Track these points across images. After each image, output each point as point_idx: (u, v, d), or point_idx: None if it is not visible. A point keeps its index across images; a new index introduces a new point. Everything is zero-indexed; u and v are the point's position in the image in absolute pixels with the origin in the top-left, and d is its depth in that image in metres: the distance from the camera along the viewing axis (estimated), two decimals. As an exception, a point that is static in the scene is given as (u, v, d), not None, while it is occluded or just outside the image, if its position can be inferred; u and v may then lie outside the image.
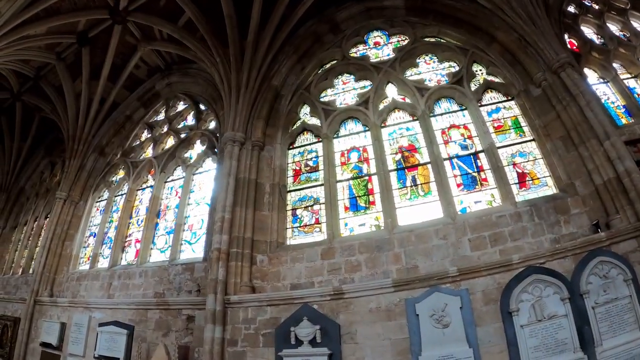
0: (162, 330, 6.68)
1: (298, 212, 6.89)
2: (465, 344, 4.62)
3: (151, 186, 8.97)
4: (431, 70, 7.69)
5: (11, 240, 12.03)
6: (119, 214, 9.24)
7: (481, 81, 7.23)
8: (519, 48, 6.99)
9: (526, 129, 6.51)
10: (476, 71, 7.41)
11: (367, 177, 6.82)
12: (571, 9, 8.15)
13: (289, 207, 6.95)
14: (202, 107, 9.35)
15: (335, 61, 8.26)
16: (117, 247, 8.65)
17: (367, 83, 7.79)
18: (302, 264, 6.21)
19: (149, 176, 9.24)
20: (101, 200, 9.99)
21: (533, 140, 6.32)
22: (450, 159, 6.53)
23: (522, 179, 6.09)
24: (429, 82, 7.48)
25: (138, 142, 10.14)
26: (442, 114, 7.14)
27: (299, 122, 7.77)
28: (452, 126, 6.96)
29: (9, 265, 11.45)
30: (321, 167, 7.11)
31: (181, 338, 6.44)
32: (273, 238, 6.60)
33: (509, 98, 6.99)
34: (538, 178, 6.01)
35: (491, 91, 7.24)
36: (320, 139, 7.40)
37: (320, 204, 6.80)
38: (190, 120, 9.48)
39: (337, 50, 8.30)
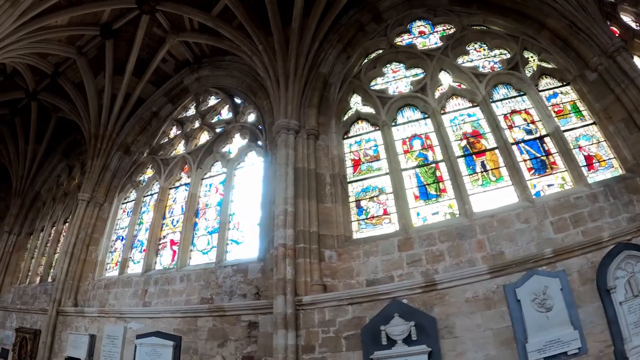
0: (218, 340, 5.41)
1: (362, 203, 5.81)
2: (570, 326, 3.96)
3: (186, 184, 7.67)
4: (483, 58, 6.82)
5: (27, 247, 10.36)
6: (149, 214, 7.88)
7: (535, 68, 6.44)
8: (571, 34, 6.25)
9: (585, 112, 5.79)
10: (527, 58, 6.58)
11: (434, 165, 5.85)
12: (608, -4, 7.44)
13: (351, 199, 5.87)
14: (237, 100, 8.12)
15: (381, 50, 7.27)
16: (151, 251, 7.30)
17: (419, 71, 6.83)
18: (377, 257, 5.13)
19: (183, 174, 7.91)
20: (128, 202, 8.58)
21: (594, 123, 5.61)
22: (517, 143, 5.71)
23: (589, 161, 5.39)
24: (483, 69, 6.62)
25: (167, 139, 8.80)
26: (501, 100, 6.31)
27: (350, 111, 6.73)
28: (514, 111, 6.15)
29: (25, 273, 9.78)
30: (382, 155, 6.10)
31: (242, 348, 5.18)
32: (340, 232, 5.51)
33: (565, 83, 6.21)
34: (604, 160, 5.32)
35: (546, 77, 6.45)
36: (377, 128, 6.38)
37: (386, 194, 5.77)
38: (225, 114, 8.22)
39: (382, 39, 7.32)
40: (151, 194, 8.18)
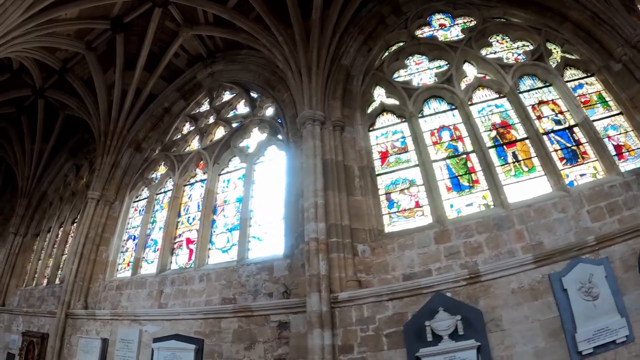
0: (244, 343, 4.92)
1: (393, 196, 5.40)
2: (617, 314, 3.72)
3: (202, 180, 7.18)
4: (506, 50, 6.50)
5: (33, 249, 9.71)
6: (163, 213, 7.37)
7: (558, 59, 6.14)
8: (594, 25, 5.99)
9: (611, 103, 5.50)
10: (551, 50, 6.30)
11: (464, 156, 5.47)
12: (624, -11, 7.16)
13: (381, 192, 5.47)
14: (253, 94, 7.65)
15: (402, 43, 6.90)
16: (166, 250, 6.78)
17: (442, 63, 6.48)
18: (413, 250, 4.72)
19: (198, 170, 7.41)
20: (139, 200, 8.04)
21: (621, 113, 5.34)
22: (547, 133, 5.40)
23: (618, 150, 5.11)
24: (507, 61, 6.29)
25: (180, 136, 8.30)
26: (528, 91, 5.99)
27: (374, 103, 6.34)
28: (541, 102, 5.84)
29: (31, 276, 9.14)
30: (410, 147, 5.72)
31: (272, 350, 4.70)
32: (372, 225, 5.09)
33: (589, 74, 5.92)
34: (633, 149, 5.05)
35: (570, 68, 6.16)
36: (403, 119, 6.01)
37: (417, 186, 5.38)
38: (241, 108, 7.76)
39: (403, 31, 6.96)
40: (164, 192, 7.66)
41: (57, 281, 8.23)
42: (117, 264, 7.49)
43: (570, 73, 6.06)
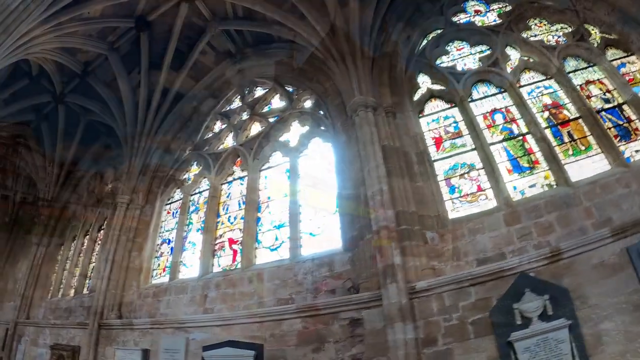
0: (311, 345, 4.48)
1: (453, 181, 5.08)
2: None
3: (241, 177, 6.75)
4: (545, 32, 6.26)
5: (57, 259, 9.07)
6: (199, 214, 6.92)
7: (598, 40, 5.91)
8: (629, 4, 5.77)
9: None
10: (589, 30, 6.06)
11: (521, 137, 5.19)
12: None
13: (440, 178, 5.11)
14: (288, 87, 7.23)
15: (440, 30, 6.61)
16: (207, 252, 6.30)
17: (484, 48, 6.22)
18: (484, 235, 4.40)
19: (235, 167, 6.94)
20: (172, 202, 7.54)
21: None
22: (598, 112, 5.17)
23: None
24: (549, 43, 6.03)
25: (211, 134, 7.85)
26: (574, 71, 5.75)
27: (420, 90, 6.03)
28: (588, 82, 5.61)
29: (57, 286, 8.56)
30: (464, 132, 5.41)
31: (345, 350, 4.26)
32: (437, 211, 4.77)
33: (629, 53, 5.71)
34: None
35: (611, 48, 5.93)
36: (453, 105, 5.70)
37: (477, 170, 5.08)
38: (276, 102, 7.36)
39: (439, 18, 6.69)
40: (199, 192, 7.20)
41: (85, 291, 7.66)
42: (152, 270, 7.00)
43: (611, 53, 5.85)
